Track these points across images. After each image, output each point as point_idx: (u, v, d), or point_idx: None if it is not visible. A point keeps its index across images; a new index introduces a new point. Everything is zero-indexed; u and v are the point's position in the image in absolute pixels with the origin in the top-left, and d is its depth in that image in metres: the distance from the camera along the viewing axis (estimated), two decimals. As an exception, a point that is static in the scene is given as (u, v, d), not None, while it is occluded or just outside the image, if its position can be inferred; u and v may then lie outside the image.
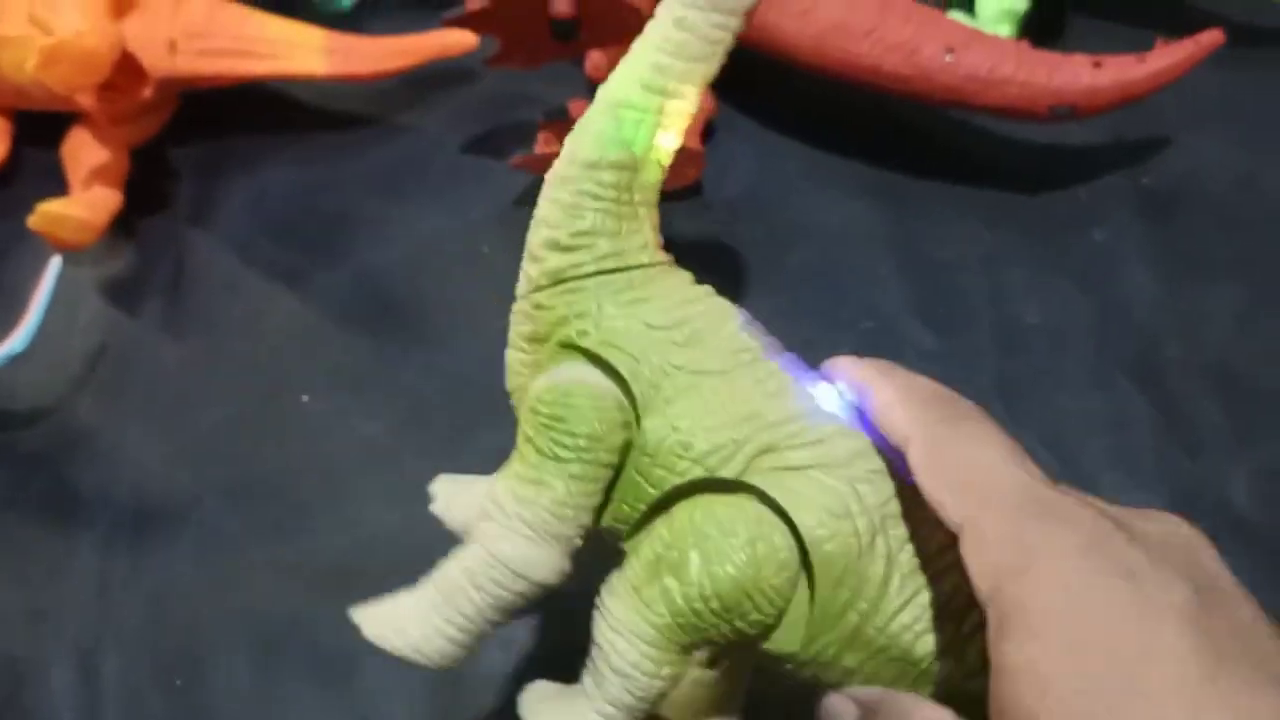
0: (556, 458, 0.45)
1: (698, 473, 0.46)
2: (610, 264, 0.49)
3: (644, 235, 0.51)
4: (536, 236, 0.51)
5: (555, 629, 0.68)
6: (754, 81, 0.91)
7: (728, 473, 0.46)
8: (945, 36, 0.76)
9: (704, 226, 0.85)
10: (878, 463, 0.46)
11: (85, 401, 0.78)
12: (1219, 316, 0.81)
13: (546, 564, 0.46)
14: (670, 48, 0.49)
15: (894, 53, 0.77)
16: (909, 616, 0.44)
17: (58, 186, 0.84)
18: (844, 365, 0.49)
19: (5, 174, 0.87)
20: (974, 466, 0.41)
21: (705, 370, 0.47)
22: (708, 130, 0.88)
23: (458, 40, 0.85)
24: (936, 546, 0.45)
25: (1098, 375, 0.78)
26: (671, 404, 0.47)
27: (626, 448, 0.47)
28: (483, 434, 0.75)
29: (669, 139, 0.51)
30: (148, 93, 0.82)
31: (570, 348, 0.49)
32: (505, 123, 0.90)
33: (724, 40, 0.48)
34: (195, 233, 0.86)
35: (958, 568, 0.41)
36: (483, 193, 0.87)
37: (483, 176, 0.88)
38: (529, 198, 0.92)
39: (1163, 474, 0.74)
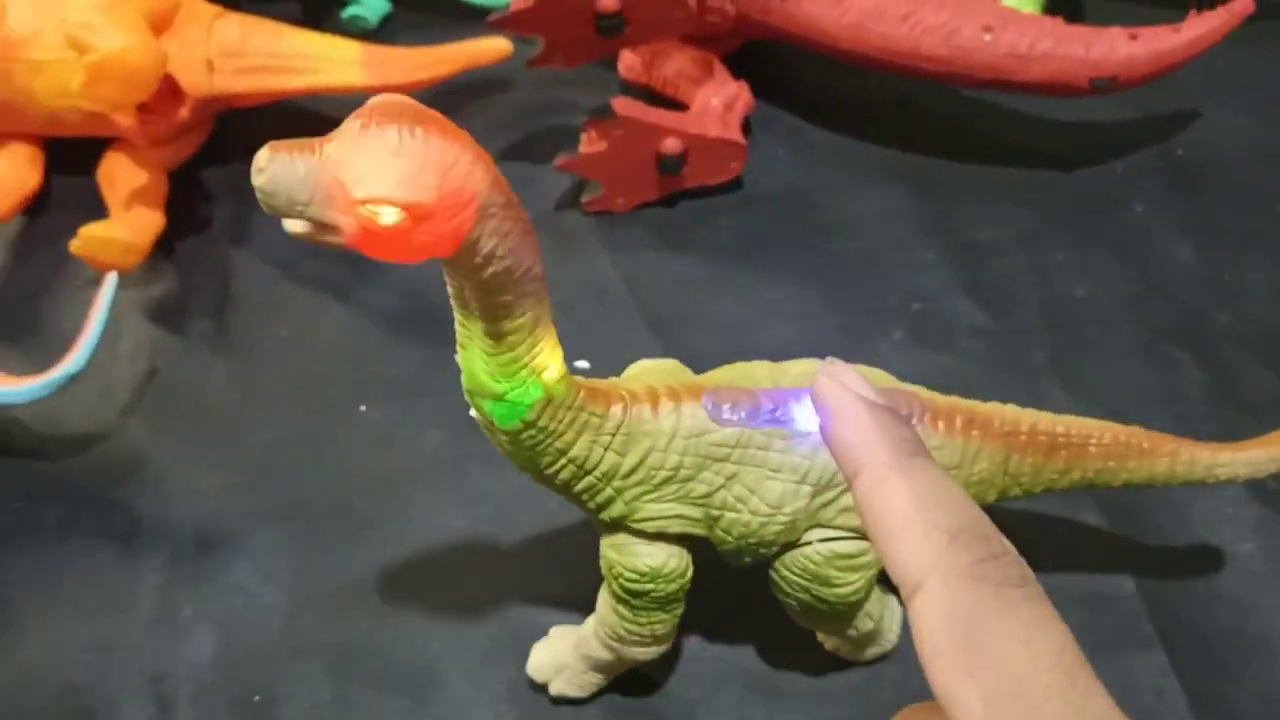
0: None
1: None
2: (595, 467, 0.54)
3: (597, 423, 0.53)
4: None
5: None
6: (786, 79, 0.92)
7: None
8: (982, 16, 0.78)
9: (747, 221, 0.86)
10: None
11: (136, 427, 0.77)
12: (1256, 283, 0.82)
13: None
14: (466, 318, 0.48)
15: (932, 34, 0.78)
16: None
17: (89, 214, 0.83)
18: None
19: (36, 203, 0.86)
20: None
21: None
22: (745, 127, 0.88)
23: (492, 48, 0.85)
24: None
25: (1150, 347, 0.79)
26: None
27: None
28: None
29: (552, 369, 0.50)
30: (185, 113, 0.82)
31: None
32: (540, 129, 0.90)
33: (475, 276, 0.46)
34: (236, 253, 0.85)
35: None
36: (523, 198, 0.86)
37: (522, 183, 0.87)
38: (571, 200, 0.93)
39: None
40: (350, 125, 0.42)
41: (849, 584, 0.56)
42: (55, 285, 0.84)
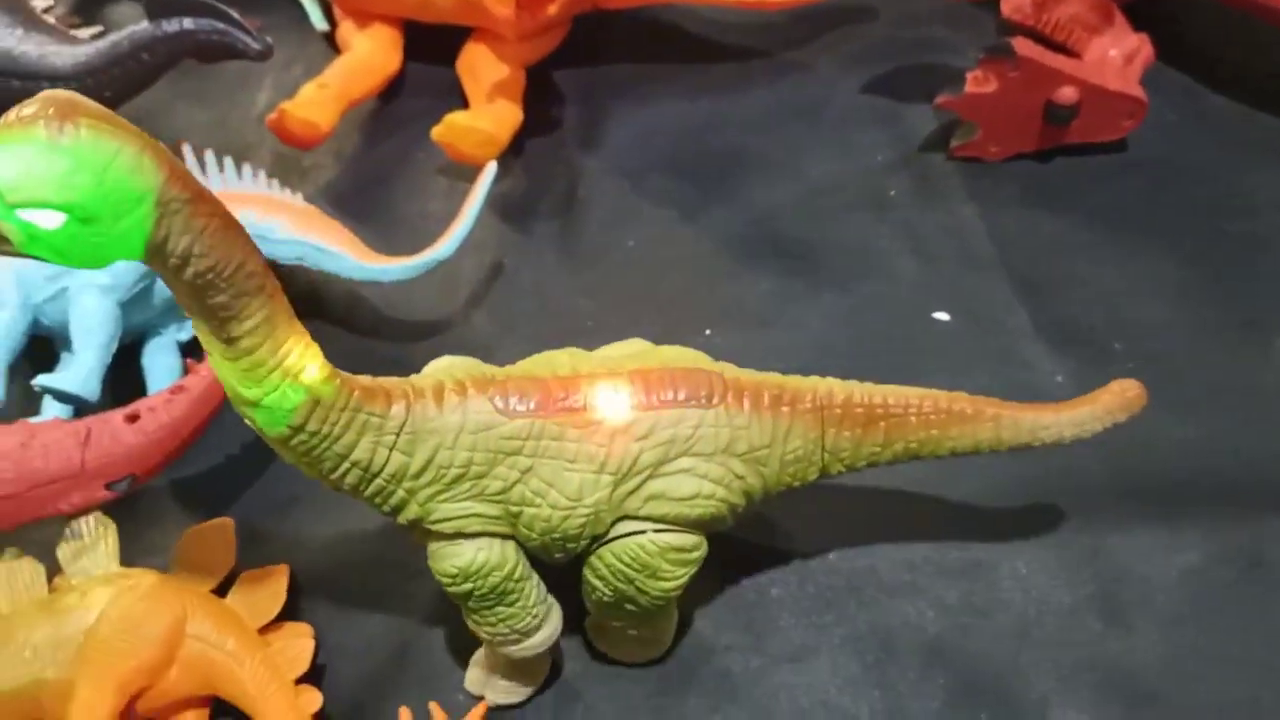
0: None
1: None
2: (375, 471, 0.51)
3: (378, 423, 0.50)
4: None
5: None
6: (1183, 37, 0.85)
7: None
8: None
9: (1129, 187, 0.79)
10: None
11: (479, 319, 0.76)
12: None
13: None
14: (195, 324, 0.45)
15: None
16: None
17: (441, 102, 0.82)
18: None
19: (391, 87, 0.86)
20: None
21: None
22: (1137, 84, 0.81)
23: (871, -28, 0.80)
24: None
25: None
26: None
27: None
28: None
29: (311, 370, 0.47)
30: (554, 9, 0.80)
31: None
32: (905, 65, 0.85)
33: (178, 277, 0.42)
34: (585, 158, 0.83)
35: None
36: (883, 137, 0.82)
37: (882, 120, 0.83)
38: (937, 142, 0.87)
39: None
40: None
41: (675, 578, 0.55)
42: (404, 169, 0.83)
